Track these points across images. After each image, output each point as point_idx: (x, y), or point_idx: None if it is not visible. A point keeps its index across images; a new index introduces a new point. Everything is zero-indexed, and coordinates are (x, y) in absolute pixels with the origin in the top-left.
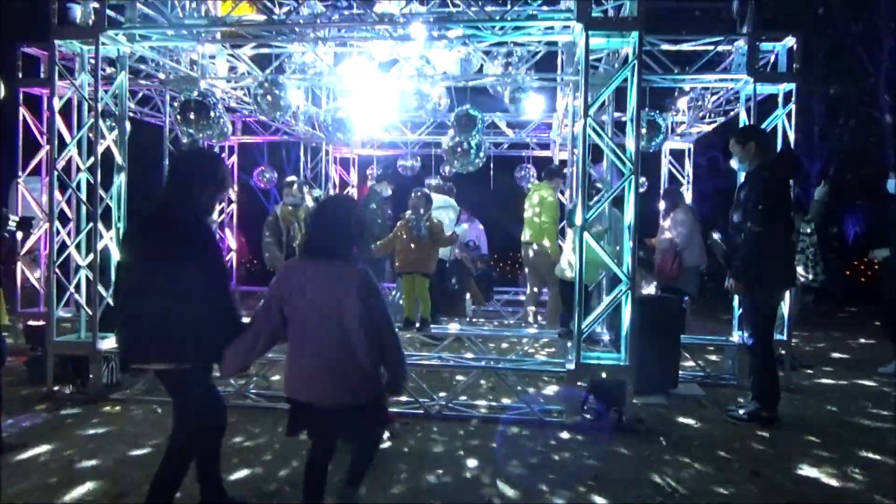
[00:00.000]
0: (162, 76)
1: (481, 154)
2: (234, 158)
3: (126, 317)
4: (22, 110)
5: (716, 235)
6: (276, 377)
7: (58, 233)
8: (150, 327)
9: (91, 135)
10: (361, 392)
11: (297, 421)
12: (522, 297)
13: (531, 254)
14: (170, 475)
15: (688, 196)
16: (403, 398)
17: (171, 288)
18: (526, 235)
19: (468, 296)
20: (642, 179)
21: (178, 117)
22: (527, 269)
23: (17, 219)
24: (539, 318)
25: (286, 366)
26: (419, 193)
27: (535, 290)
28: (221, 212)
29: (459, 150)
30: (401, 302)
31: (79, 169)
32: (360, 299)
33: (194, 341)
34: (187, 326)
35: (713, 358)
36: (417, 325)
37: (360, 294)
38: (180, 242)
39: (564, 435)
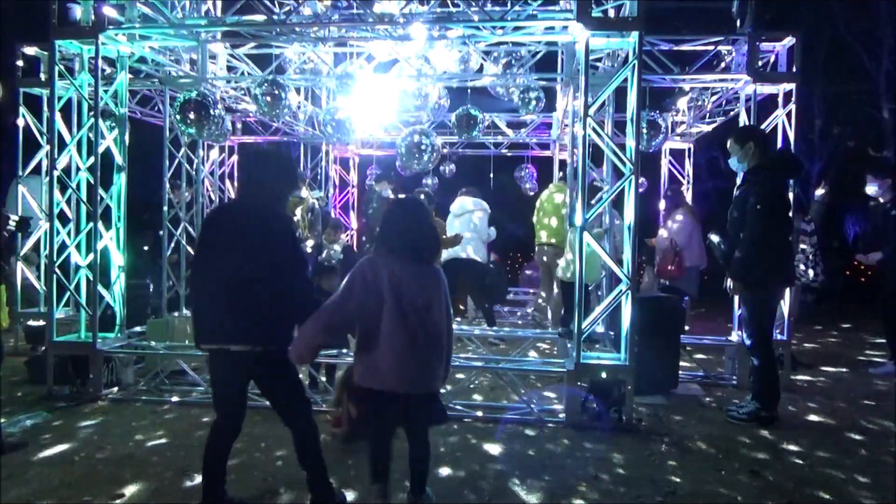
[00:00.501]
0: (162, 76)
1: (435, 154)
2: (235, 158)
3: (205, 300)
4: (22, 110)
5: (714, 235)
6: None
7: (58, 233)
8: (231, 310)
9: (91, 135)
10: (441, 381)
11: (375, 410)
12: (519, 297)
13: (547, 256)
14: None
15: (688, 196)
16: None
17: (252, 274)
18: (543, 237)
19: (468, 298)
20: (642, 179)
21: (178, 117)
22: (541, 271)
23: (16, 218)
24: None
25: (376, 358)
26: (419, 194)
27: (544, 294)
28: None
29: (415, 149)
30: None
31: (79, 169)
32: (445, 298)
33: (274, 325)
34: (268, 311)
35: (713, 358)
36: None
37: (445, 294)
38: (261, 232)
39: (564, 435)
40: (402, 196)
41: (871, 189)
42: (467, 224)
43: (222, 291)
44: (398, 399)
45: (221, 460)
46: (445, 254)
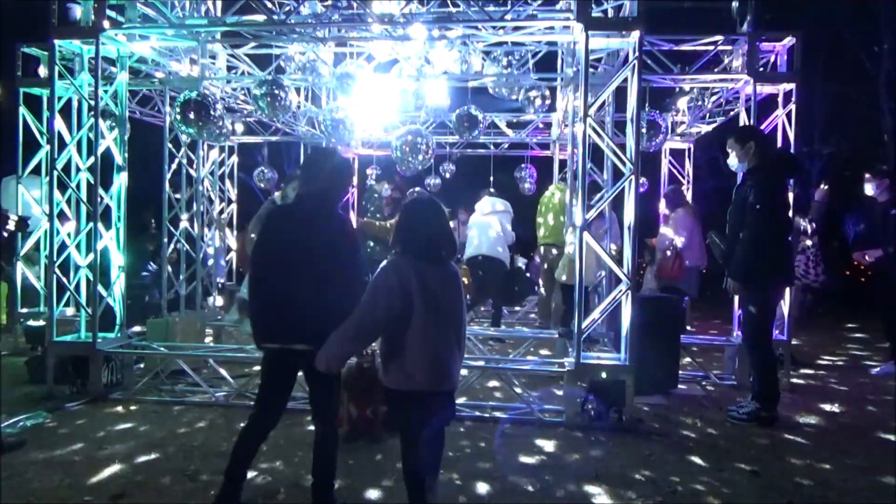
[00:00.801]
0: (162, 76)
1: (430, 153)
2: (234, 158)
3: (268, 300)
4: (22, 110)
5: (714, 235)
6: None
7: (57, 233)
8: (297, 310)
9: (91, 135)
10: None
11: (409, 412)
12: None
13: (547, 255)
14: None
15: (688, 196)
16: None
17: (318, 275)
18: (547, 236)
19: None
20: (642, 179)
21: (178, 117)
22: (541, 269)
23: (16, 218)
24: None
25: (408, 360)
26: (415, 193)
27: (544, 292)
28: (221, 212)
29: (408, 148)
30: None
31: (79, 169)
32: (463, 297)
33: (334, 325)
34: (330, 311)
35: (713, 358)
36: None
37: (463, 293)
38: (326, 233)
39: (564, 435)
40: (417, 197)
41: (869, 189)
42: (496, 224)
43: (287, 291)
44: (430, 398)
45: (249, 457)
46: (470, 251)
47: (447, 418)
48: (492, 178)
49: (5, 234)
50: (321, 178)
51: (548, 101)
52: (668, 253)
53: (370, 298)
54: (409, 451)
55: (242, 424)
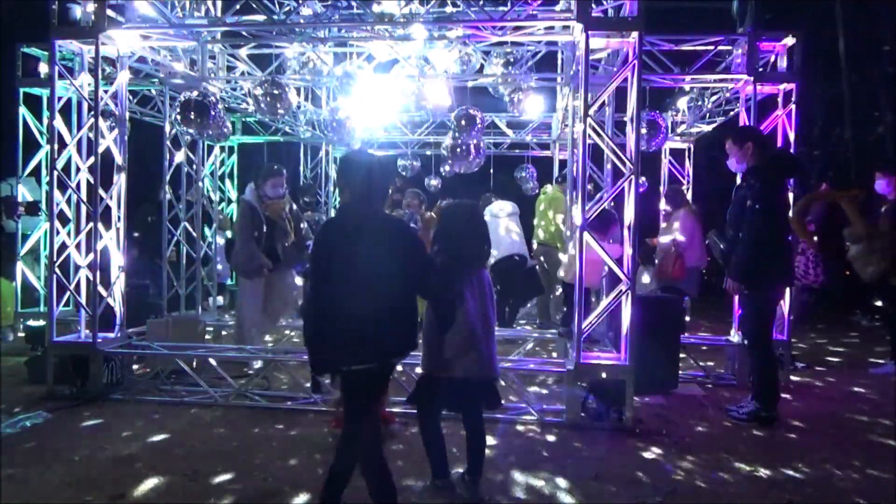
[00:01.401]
0: (162, 76)
1: (480, 155)
2: (234, 158)
3: (348, 319)
4: (22, 110)
5: (713, 235)
6: (283, 376)
7: (57, 233)
8: (387, 324)
9: (91, 135)
10: None
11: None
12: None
13: (543, 255)
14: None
15: (688, 196)
16: (403, 397)
17: (389, 283)
18: (539, 236)
19: None
20: (642, 179)
21: (178, 117)
22: (538, 269)
23: (24, 203)
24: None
25: (463, 348)
26: (412, 192)
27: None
28: (221, 211)
29: (459, 150)
30: None
31: (79, 169)
32: (494, 298)
33: (412, 336)
34: (407, 322)
35: (713, 358)
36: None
37: (493, 294)
38: (390, 238)
39: (564, 435)
40: (458, 201)
41: (879, 186)
42: (511, 226)
43: (364, 308)
44: (474, 384)
45: (385, 473)
46: (497, 254)
47: (488, 405)
48: (492, 178)
49: (17, 218)
50: (362, 183)
51: (536, 105)
52: (669, 253)
53: (459, 298)
54: (425, 424)
55: (238, 424)
